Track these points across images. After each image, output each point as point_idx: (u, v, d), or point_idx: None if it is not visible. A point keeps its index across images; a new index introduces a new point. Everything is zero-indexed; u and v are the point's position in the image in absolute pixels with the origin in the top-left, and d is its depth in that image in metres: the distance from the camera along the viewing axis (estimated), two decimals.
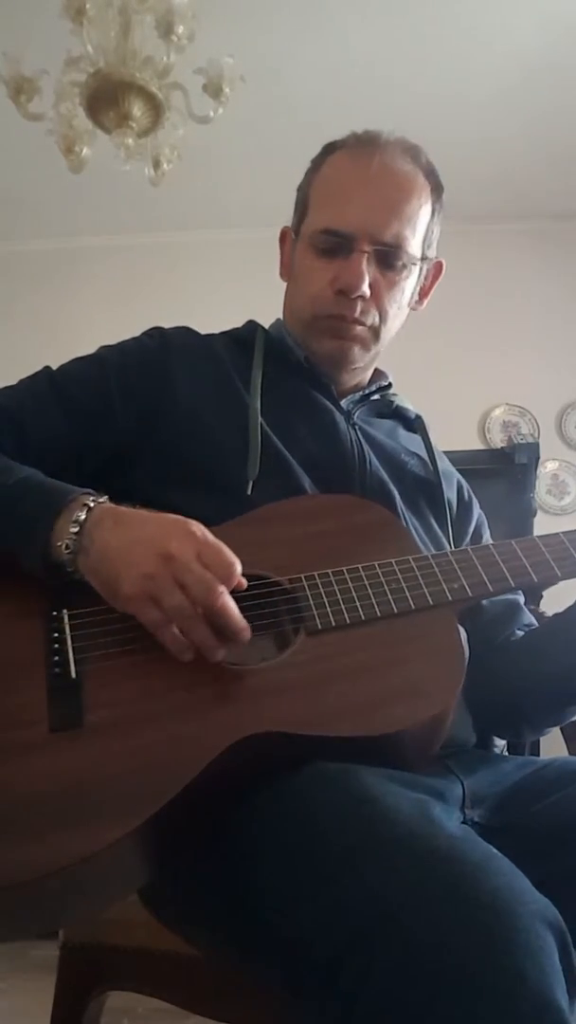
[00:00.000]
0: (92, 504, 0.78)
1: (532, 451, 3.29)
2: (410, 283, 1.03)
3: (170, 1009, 0.91)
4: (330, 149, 1.05)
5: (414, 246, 1.00)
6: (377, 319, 1.01)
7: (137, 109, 2.27)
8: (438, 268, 1.09)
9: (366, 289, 0.97)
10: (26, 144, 2.69)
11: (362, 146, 1.01)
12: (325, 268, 0.99)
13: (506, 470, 3.12)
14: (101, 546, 0.75)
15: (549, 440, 3.53)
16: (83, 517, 0.77)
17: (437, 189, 1.02)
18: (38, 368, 1.01)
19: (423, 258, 1.03)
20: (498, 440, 3.55)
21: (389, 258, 0.99)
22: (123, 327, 1.05)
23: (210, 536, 0.75)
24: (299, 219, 1.06)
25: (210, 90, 2.28)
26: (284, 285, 1.11)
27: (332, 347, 1.03)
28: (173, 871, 0.75)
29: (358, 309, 0.99)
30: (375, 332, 1.03)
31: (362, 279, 0.97)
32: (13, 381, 0.99)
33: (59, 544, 0.76)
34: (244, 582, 0.75)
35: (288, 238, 1.10)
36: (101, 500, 0.79)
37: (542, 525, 3.21)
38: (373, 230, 0.97)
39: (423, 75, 2.87)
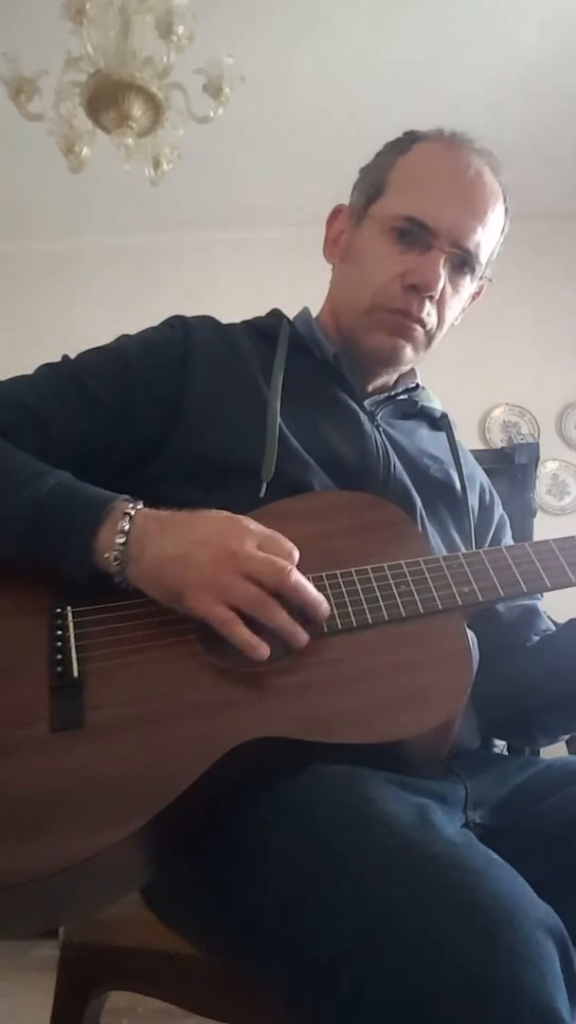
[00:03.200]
0: (133, 512, 0.78)
1: (532, 451, 3.29)
2: (467, 296, 1.01)
3: (170, 1009, 0.91)
4: (415, 137, 0.99)
5: (483, 260, 0.98)
6: (435, 324, 0.98)
7: (137, 109, 2.27)
8: (480, 290, 1.06)
9: (439, 290, 0.94)
10: (26, 144, 2.69)
11: (456, 145, 0.97)
12: (396, 259, 0.95)
13: (506, 470, 3.12)
14: (155, 554, 0.75)
15: (549, 440, 3.53)
16: (127, 527, 0.76)
17: (507, 212, 1.00)
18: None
19: (481, 276, 1.00)
20: (498, 440, 3.55)
21: (463, 265, 0.96)
22: (123, 327, 1.04)
23: (264, 527, 0.76)
24: (368, 200, 0.99)
25: (210, 90, 2.28)
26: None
27: (385, 343, 0.98)
28: (174, 872, 0.75)
29: (425, 308, 0.96)
30: (429, 337, 0.99)
31: (440, 279, 0.94)
32: None
33: (106, 555, 0.76)
34: None
35: (343, 217, 1.04)
36: (139, 506, 0.79)
37: (542, 525, 3.21)
38: (458, 232, 0.94)
39: (421, 75, 2.86)
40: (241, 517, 0.77)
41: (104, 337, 1.02)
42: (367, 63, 2.82)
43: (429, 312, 0.96)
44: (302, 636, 0.73)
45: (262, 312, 1.11)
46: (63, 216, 3.61)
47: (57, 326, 3.44)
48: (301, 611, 0.74)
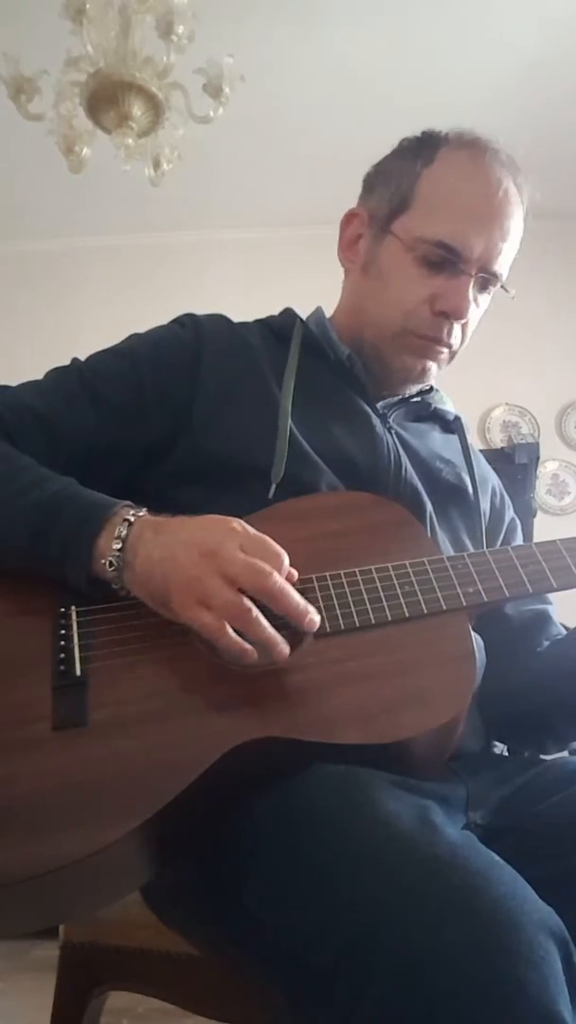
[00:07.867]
0: (132, 518, 0.76)
1: (532, 451, 3.30)
2: (486, 307, 1.01)
3: (170, 1009, 0.92)
4: (438, 142, 0.97)
5: (505, 274, 0.97)
6: (459, 342, 0.98)
7: (137, 109, 2.28)
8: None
9: (469, 315, 0.95)
10: (26, 144, 2.69)
11: (483, 158, 0.95)
12: (425, 282, 0.94)
13: (506, 470, 3.12)
14: (144, 558, 0.74)
15: (549, 440, 3.53)
16: (125, 532, 0.75)
17: (525, 219, 0.99)
18: (37, 368, 0.98)
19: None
20: (498, 440, 3.55)
21: (487, 286, 0.96)
22: (123, 327, 1.03)
23: (251, 529, 0.74)
24: (392, 211, 0.96)
25: (210, 90, 2.28)
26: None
27: (413, 365, 0.98)
28: (174, 872, 0.75)
29: (454, 333, 0.96)
30: (453, 355, 1.00)
31: (470, 306, 0.94)
32: (13, 382, 0.96)
33: (103, 562, 0.75)
34: (295, 573, 0.73)
35: (359, 221, 1.01)
36: (141, 513, 0.78)
37: (542, 525, 3.21)
38: (488, 257, 0.93)
39: (420, 76, 2.86)
40: (230, 519, 0.75)
41: (104, 337, 1.02)
42: (366, 64, 2.82)
43: (456, 335, 0.97)
44: (282, 649, 0.70)
45: (261, 312, 1.10)
46: (63, 216, 3.61)
47: (57, 326, 3.45)
48: (287, 620, 0.72)
